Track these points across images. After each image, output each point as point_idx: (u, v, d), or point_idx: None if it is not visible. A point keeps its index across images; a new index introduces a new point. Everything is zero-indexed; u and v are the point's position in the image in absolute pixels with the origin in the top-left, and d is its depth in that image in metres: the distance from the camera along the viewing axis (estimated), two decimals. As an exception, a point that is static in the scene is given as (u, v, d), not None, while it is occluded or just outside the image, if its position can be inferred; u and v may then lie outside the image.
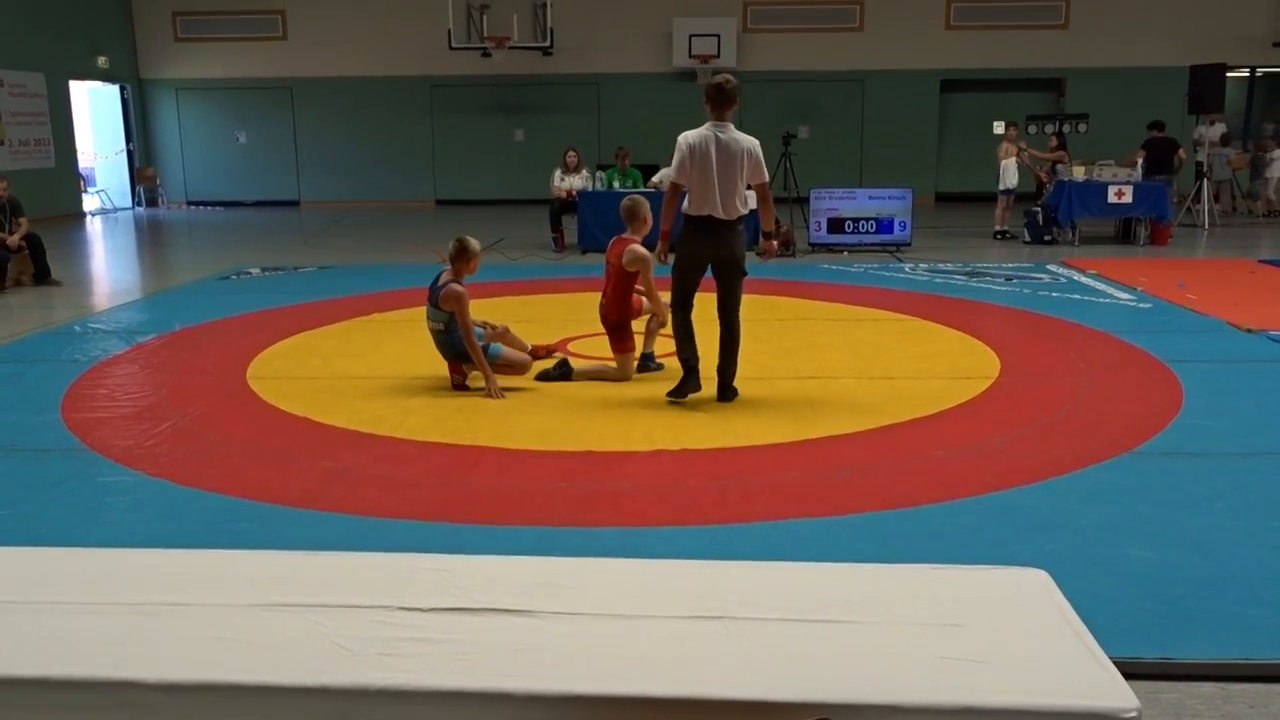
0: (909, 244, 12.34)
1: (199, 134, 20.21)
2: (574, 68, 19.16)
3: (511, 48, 17.91)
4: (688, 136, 5.36)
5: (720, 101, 5.31)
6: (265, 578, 2.59)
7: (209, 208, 19.89)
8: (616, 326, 6.11)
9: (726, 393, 5.64)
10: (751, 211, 6.22)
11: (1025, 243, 12.99)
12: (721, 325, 5.57)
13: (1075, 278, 9.96)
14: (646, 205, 6.15)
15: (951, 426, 5.10)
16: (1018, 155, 13.29)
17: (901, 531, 3.77)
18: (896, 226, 12.33)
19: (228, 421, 5.31)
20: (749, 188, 5.45)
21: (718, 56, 18.45)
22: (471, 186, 19.66)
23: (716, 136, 5.31)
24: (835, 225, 12.35)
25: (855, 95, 19.41)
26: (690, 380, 5.64)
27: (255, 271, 10.91)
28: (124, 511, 4.04)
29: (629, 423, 5.24)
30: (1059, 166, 13.45)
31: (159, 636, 2.41)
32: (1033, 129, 14.78)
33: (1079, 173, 12.83)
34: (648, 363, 6.33)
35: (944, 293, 9.20)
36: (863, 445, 4.82)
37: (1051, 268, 10.67)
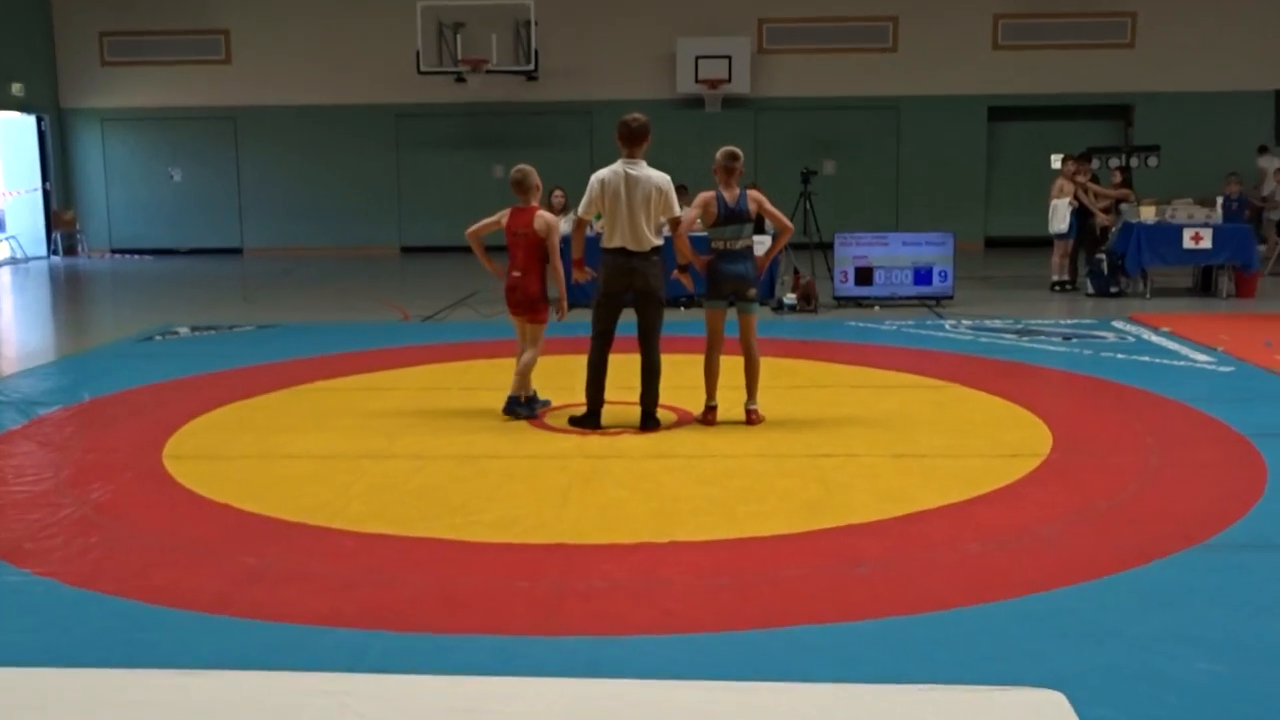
0: (951, 297, 12.40)
1: (127, 171, 20.48)
2: (562, 94, 19.45)
3: (489, 71, 18.22)
4: (600, 174, 6.66)
5: (629, 139, 6.60)
6: (135, 703, 2.55)
7: (137, 256, 20.07)
8: (535, 299, 7.01)
9: (648, 422, 6.75)
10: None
11: (1088, 295, 13.06)
12: (641, 354, 6.75)
13: (1145, 336, 9.98)
14: (535, 174, 7.04)
15: (990, 514, 5.08)
16: (1073, 194, 13.37)
17: (925, 641, 3.72)
18: (936, 277, 12.40)
19: (136, 510, 5.29)
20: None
21: (729, 81, 18.76)
22: (443, 231, 19.79)
23: (627, 173, 6.56)
24: (864, 276, 12.42)
25: (889, 125, 19.64)
26: (590, 420, 6.79)
27: (184, 331, 10.97)
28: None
29: (610, 509, 5.22)
30: (1124, 206, 13.55)
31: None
32: (1095, 163, 14.92)
33: (1149, 214, 12.92)
34: (531, 407, 7.12)
35: (990, 354, 9.22)
36: (884, 536, 4.80)
37: (1117, 325, 10.70)
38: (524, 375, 7.08)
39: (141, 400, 7.75)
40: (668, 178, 6.69)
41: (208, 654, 3.62)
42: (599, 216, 6.74)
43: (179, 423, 7.03)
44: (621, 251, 6.61)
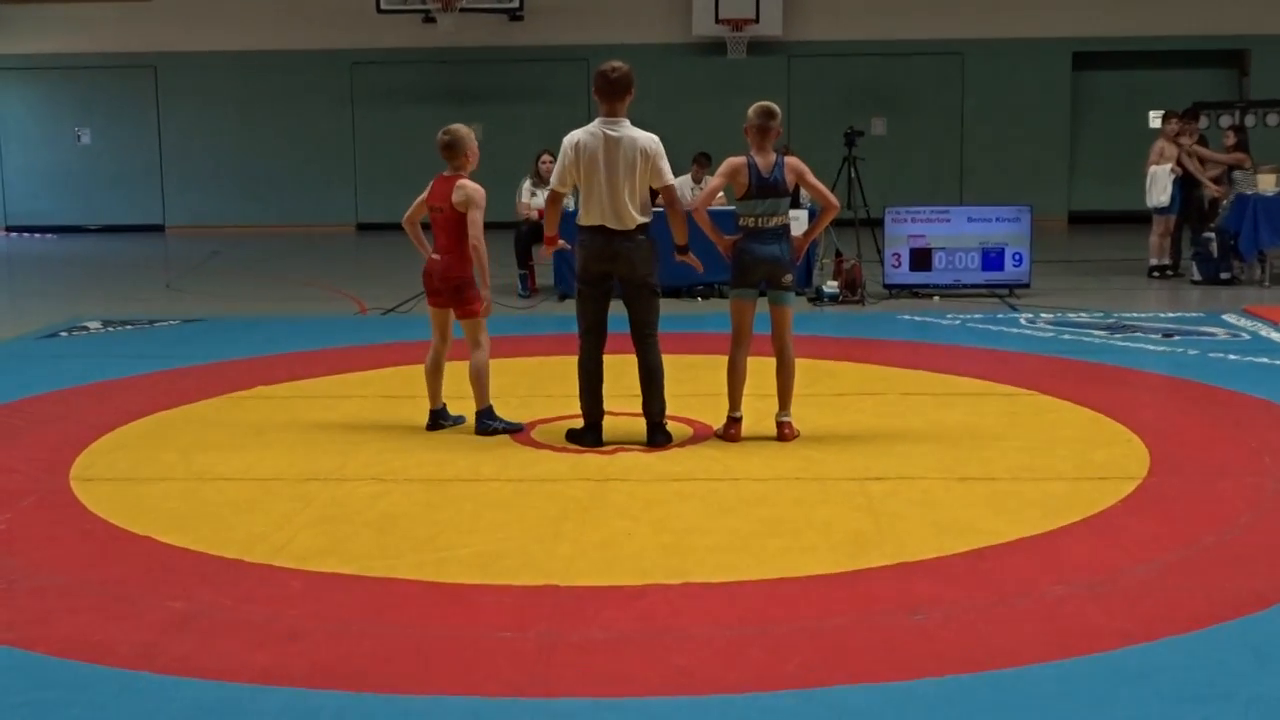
0: (1027, 285, 12.41)
1: (24, 132, 20.53)
2: (554, 38, 19.46)
3: (464, 9, 18.22)
4: (573, 136, 6.68)
5: (608, 93, 6.56)
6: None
7: (37, 235, 20.10)
8: (461, 287, 7.05)
9: (656, 435, 6.79)
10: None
11: (1193, 283, 13.07)
12: (637, 355, 6.79)
13: (1263, 333, 10.00)
14: (471, 139, 7.06)
15: (1074, 550, 5.08)
16: (1175, 159, 13.34)
17: (995, 705, 3.74)
18: (1009, 260, 12.40)
19: (38, 544, 5.31)
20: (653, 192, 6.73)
21: (756, 21, 18.79)
22: (407, 205, 19.70)
23: (606, 134, 6.54)
24: (921, 259, 12.43)
25: (952, 75, 19.63)
26: (589, 435, 6.83)
27: (95, 326, 11.01)
28: (-126, 676, 4.04)
29: (612, 544, 5.23)
30: (1238, 174, 13.54)
31: None
32: (1204, 121, 14.91)
33: (1268, 183, 12.90)
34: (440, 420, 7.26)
35: (1074, 355, 9.23)
36: (945, 578, 4.80)
37: (1230, 319, 10.72)
38: (479, 383, 7.08)
39: (45, 410, 7.77)
40: (655, 138, 6.66)
41: (125, 718, 3.65)
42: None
43: (90, 437, 7.05)
44: (600, 230, 6.61)
